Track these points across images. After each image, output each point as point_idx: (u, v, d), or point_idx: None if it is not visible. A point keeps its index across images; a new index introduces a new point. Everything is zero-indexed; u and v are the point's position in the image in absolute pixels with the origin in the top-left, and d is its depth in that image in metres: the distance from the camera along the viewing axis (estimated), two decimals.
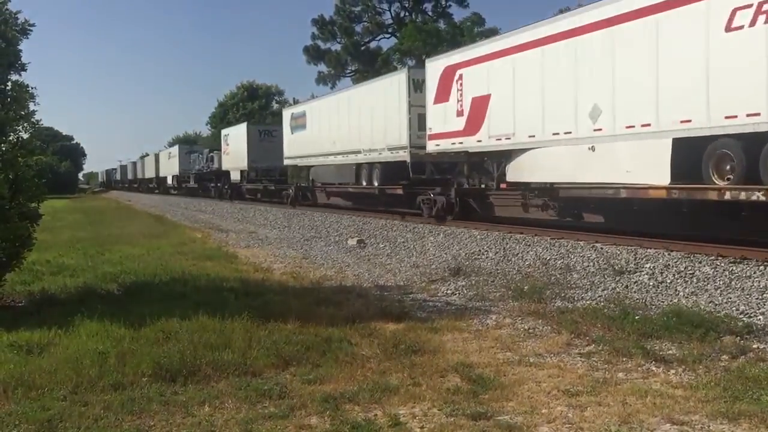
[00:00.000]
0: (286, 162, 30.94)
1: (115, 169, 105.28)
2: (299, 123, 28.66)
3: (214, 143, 53.34)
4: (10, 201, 8.17)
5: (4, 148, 8.33)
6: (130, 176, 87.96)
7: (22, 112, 8.46)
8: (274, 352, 6.01)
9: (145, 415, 4.70)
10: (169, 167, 58.45)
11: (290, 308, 7.75)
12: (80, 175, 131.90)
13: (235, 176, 38.95)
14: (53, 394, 5.06)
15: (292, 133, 29.60)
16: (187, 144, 64.82)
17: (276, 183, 34.63)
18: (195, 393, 5.13)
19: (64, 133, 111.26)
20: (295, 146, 29.14)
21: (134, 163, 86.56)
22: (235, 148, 38.28)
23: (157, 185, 65.40)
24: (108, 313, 7.34)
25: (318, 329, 6.82)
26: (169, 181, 58.98)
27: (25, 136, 8.66)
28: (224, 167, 40.76)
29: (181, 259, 12.83)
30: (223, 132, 42.63)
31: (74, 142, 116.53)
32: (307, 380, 5.42)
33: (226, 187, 40.85)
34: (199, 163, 47.45)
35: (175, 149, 57.86)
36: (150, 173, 68.91)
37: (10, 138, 8.44)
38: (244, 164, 36.29)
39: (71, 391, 5.11)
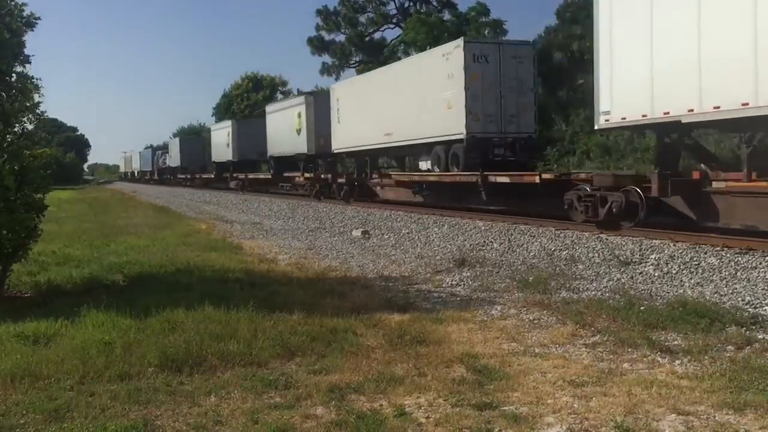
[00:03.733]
0: None
1: (162, 149, 70.54)
2: None
3: None
4: (15, 192, 8.19)
5: (9, 140, 8.34)
6: (181, 163, 57.84)
7: (27, 104, 8.46)
8: (280, 342, 6.02)
9: (151, 405, 4.73)
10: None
11: (295, 299, 7.77)
12: (85, 167, 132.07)
13: None
14: (60, 384, 5.08)
15: None
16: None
17: None
18: (201, 383, 5.15)
19: (68, 125, 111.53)
20: None
21: (180, 145, 57.98)
22: None
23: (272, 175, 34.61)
24: (114, 303, 7.37)
25: (323, 320, 6.82)
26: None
27: (30, 127, 8.68)
28: None
29: (185, 250, 12.85)
30: None
31: (79, 133, 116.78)
32: (313, 371, 5.44)
33: None
34: None
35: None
36: (247, 153, 40.32)
37: (16, 129, 8.46)
38: None
39: (78, 381, 5.13)
